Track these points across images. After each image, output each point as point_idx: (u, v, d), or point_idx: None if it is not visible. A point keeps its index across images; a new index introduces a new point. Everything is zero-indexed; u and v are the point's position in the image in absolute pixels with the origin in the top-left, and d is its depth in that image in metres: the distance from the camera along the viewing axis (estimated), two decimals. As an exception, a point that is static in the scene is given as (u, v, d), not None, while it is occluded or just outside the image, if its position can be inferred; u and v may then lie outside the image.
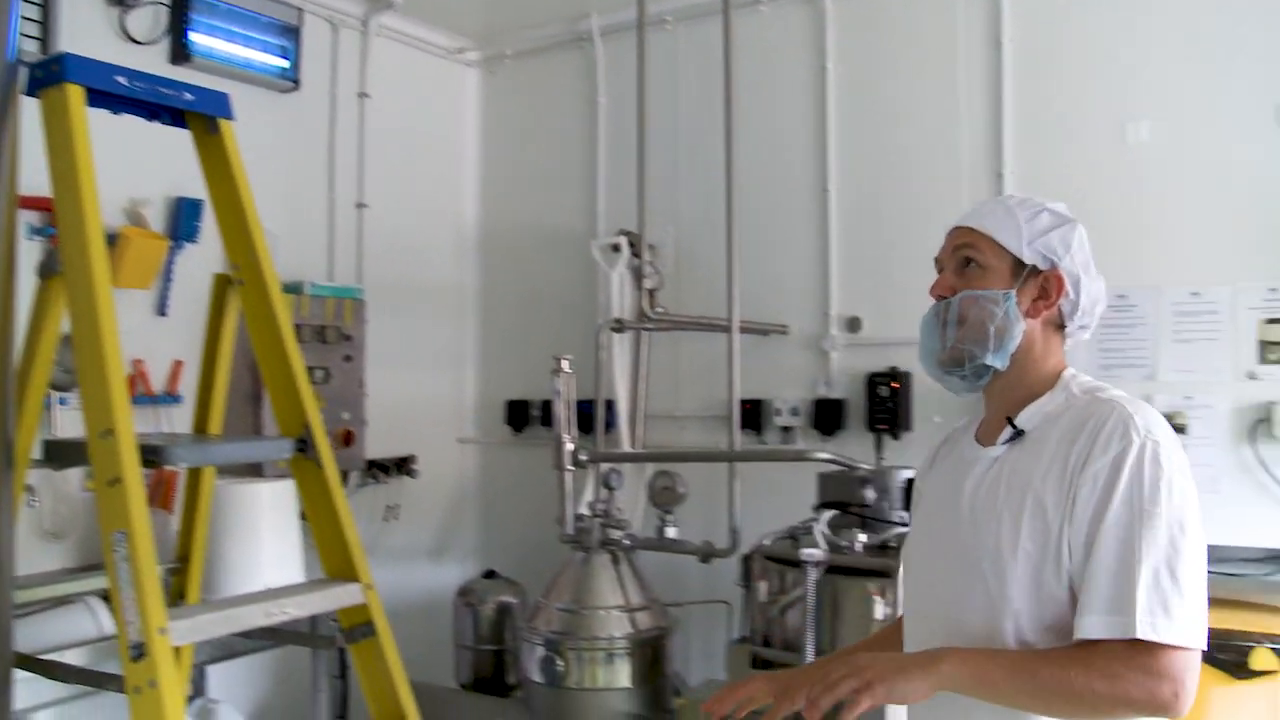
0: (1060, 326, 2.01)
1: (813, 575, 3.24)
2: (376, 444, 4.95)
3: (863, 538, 3.32)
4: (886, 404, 4.50)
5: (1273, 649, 3.50)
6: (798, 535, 3.51)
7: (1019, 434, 1.97)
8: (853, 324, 4.71)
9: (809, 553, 3.24)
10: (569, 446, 4.06)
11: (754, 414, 4.78)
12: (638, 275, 4.42)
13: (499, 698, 4.53)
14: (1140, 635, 1.68)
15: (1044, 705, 1.77)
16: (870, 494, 3.47)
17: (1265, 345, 4.02)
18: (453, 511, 5.65)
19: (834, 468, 3.65)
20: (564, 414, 4.03)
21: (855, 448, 4.56)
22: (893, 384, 4.50)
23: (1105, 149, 4.28)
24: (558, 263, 5.44)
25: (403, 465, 5.17)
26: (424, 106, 5.60)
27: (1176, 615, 1.70)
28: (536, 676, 4.05)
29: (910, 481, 3.45)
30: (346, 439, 4.68)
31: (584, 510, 4.19)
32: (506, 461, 5.60)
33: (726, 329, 4.20)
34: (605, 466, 4.22)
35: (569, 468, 4.07)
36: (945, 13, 4.59)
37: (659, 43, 5.11)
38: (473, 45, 5.74)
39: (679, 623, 4.22)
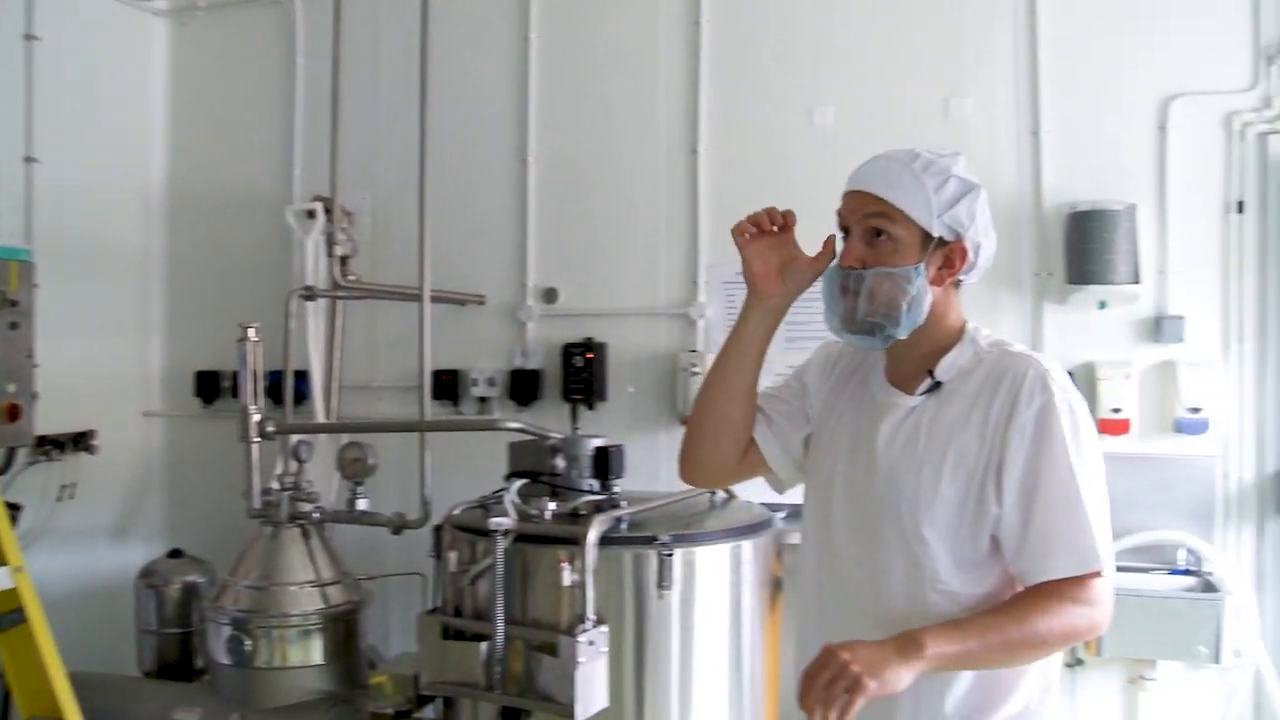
0: (957, 282, 2.11)
1: (501, 544, 3.24)
2: (50, 419, 4.59)
3: (552, 506, 3.34)
4: (581, 374, 4.58)
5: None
6: (488, 505, 3.50)
7: (937, 385, 2.06)
8: (549, 295, 4.75)
9: (497, 521, 3.23)
10: (255, 418, 3.92)
11: (451, 384, 4.76)
12: (332, 242, 4.29)
13: (184, 683, 4.32)
14: (1099, 569, 1.89)
15: (1013, 658, 1.93)
16: (560, 462, 3.49)
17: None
18: (137, 489, 5.34)
19: (525, 437, 3.66)
20: (250, 384, 3.88)
21: (551, 418, 4.63)
22: (588, 355, 4.58)
23: (794, 131, 4.50)
24: (252, 227, 5.22)
25: (80, 441, 4.85)
26: (105, 56, 5.21)
27: (1108, 547, 1.92)
28: (223, 658, 3.90)
29: (600, 450, 3.53)
30: (12, 414, 4.32)
31: (274, 484, 4.06)
32: (196, 435, 5.34)
33: (419, 298, 4.13)
34: (295, 438, 4.10)
35: (255, 439, 3.93)
36: (648, -9, 4.69)
37: (361, 4, 4.98)
38: (160, -7, 5.40)
39: (372, 596, 4.16)
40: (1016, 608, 1.93)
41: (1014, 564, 1.97)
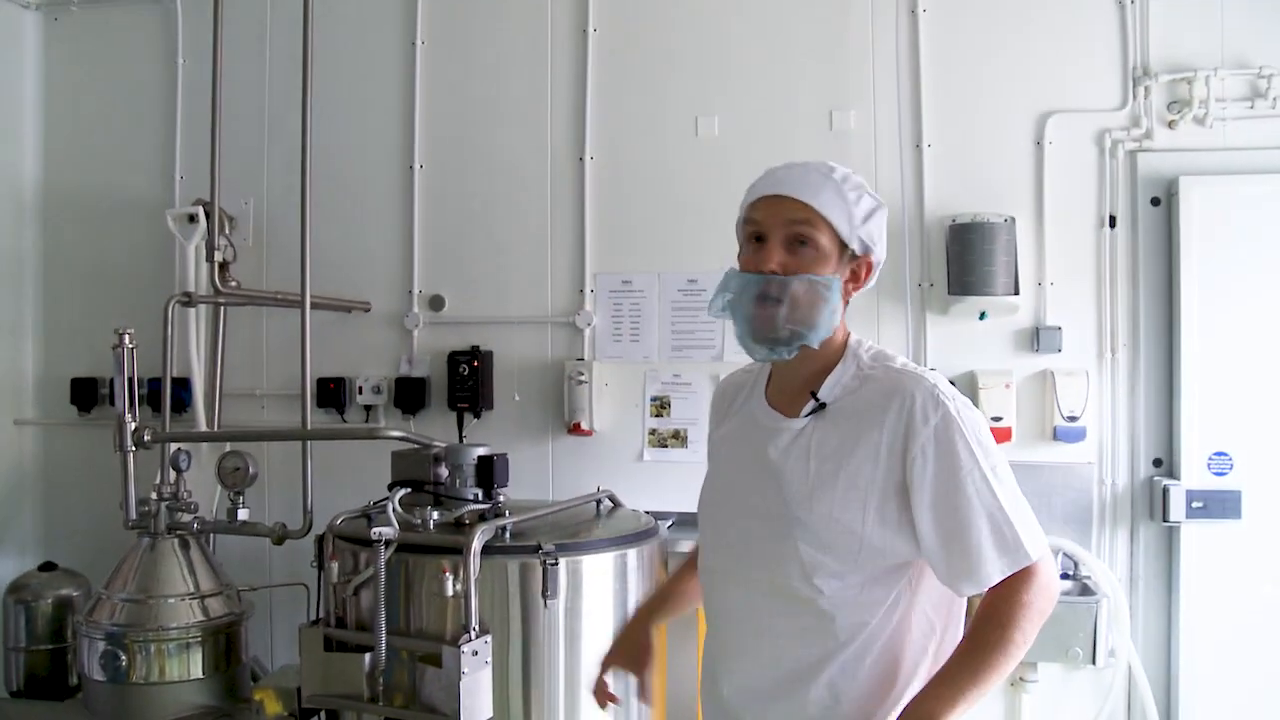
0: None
1: (383, 554, 3.21)
2: (-85, 426, 4.44)
3: (435, 515, 3.32)
4: (467, 382, 4.54)
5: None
6: (371, 515, 3.46)
7: (822, 406, 2.04)
8: (435, 302, 4.71)
9: (379, 531, 3.20)
10: (131, 426, 3.82)
11: (336, 392, 4.69)
12: (210, 248, 4.20)
13: (55, 701, 4.18)
14: (1035, 559, 1.92)
15: (1005, 672, 1.94)
16: (443, 471, 3.47)
17: (816, 328, 4.37)
18: (9, 500, 5.15)
19: (407, 446, 3.63)
20: (125, 392, 3.79)
21: (438, 426, 4.59)
22: (474, 363, 4.54)
23: (680, 140, 4.53)
24: (132, 231, 5.06)
25: (-53, 449, 4.69)
26: (-30, 51, 5.04)
27: (1035, 533, 1.95)
28: (97, 674, 3.78)
29: (483, 459, 3.51)
30: (-127, 421, 4.18)
31: (152, 494, 3.96)
32: (72, 444, 5.15)
33: (300, 305, 4.06)
34: (174, 447, 4.00)
35: (130, 448, 3.83)
36: (536, -1, 4.69)
37: (248, 5, 4.90)
38: (29, -15, 5.23)
39: (254, 607, 4.08)
40: (986, 628, 1.95)
41: (945, 580, 1.98)
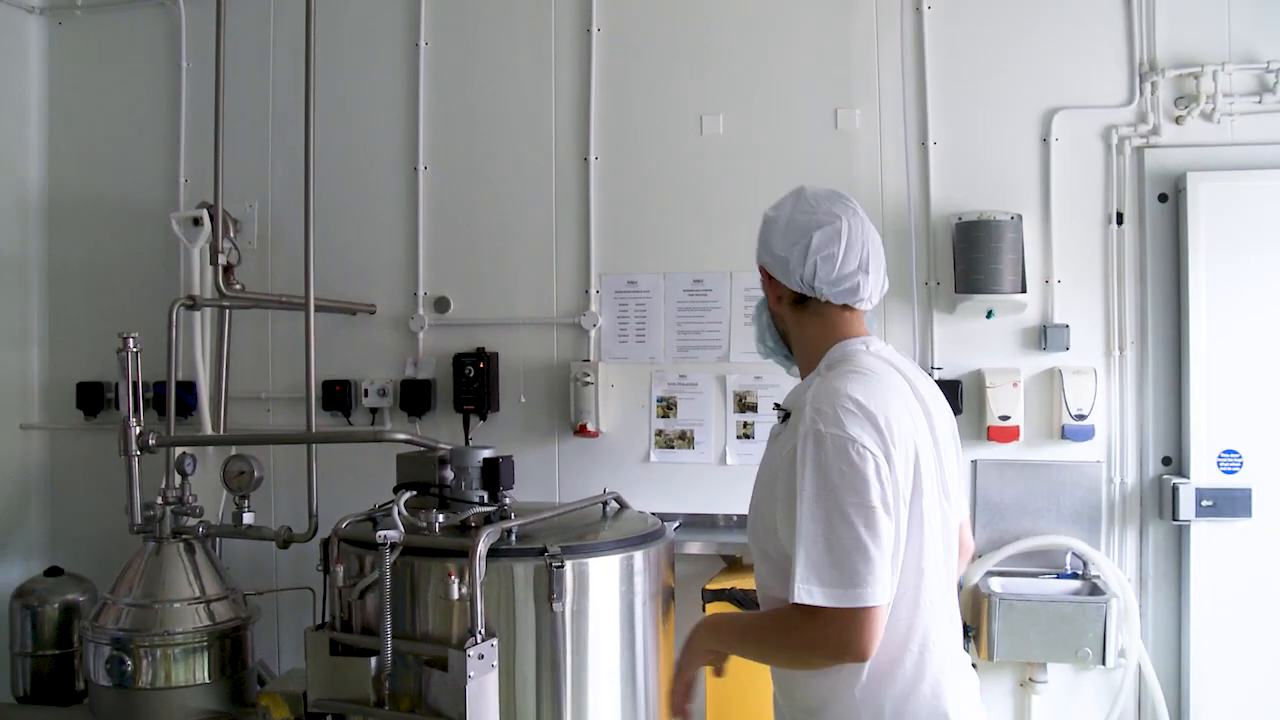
0: (803, 303, 2.25)
1: (388, 557, 3.19)
2: (-78, 432, 4.44)
3: (441, 518, 3.30)
4: (473, 385, 4.53)
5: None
6: (377, 518, 3.45)
7: (787, 415, 2.14)
8: (441, 304, 4.70)
9: (384, 534, 3.18)
10: (135, 430, 3.81)
11: (342, 395, 4.68)
12: (215, 250, 4.20)
13: (60, 707, 4.18)
14: (799, 599, 1.93)
15: (768, 658, 2.15)
16: (449, 474, 3.45)
17: (824, 328, 4.35)
18: (15, 504, 5.15)
19: (413, 449, 3.61)
20: (130, 396, 3.78)
21: (444, 429, 4.59)
22: (479, 365, 4.54)
23: (684, 139, 4.51)
24: (137, 235, 5.06)
25: (-47, 455, 4.69)
26: (-26, 55, 5.04)
27: (827, 581, 1.92)
28: (103, 679, 3.77)
29: (488, 461, 3.50)
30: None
31: (158, 498, 3.95)
32: (78, 448, 5.15)
33: (304, 307, 4.05)
34: (179, 451, 3.99)
35: (135, 453, 3.82)
36: (540, -1, 4.68)
37: (251, 8, 4.89)
38: (34, -11, 5.23)
39: (259, 611, 4.07)
40: (771, 617, 2.12)
41: None
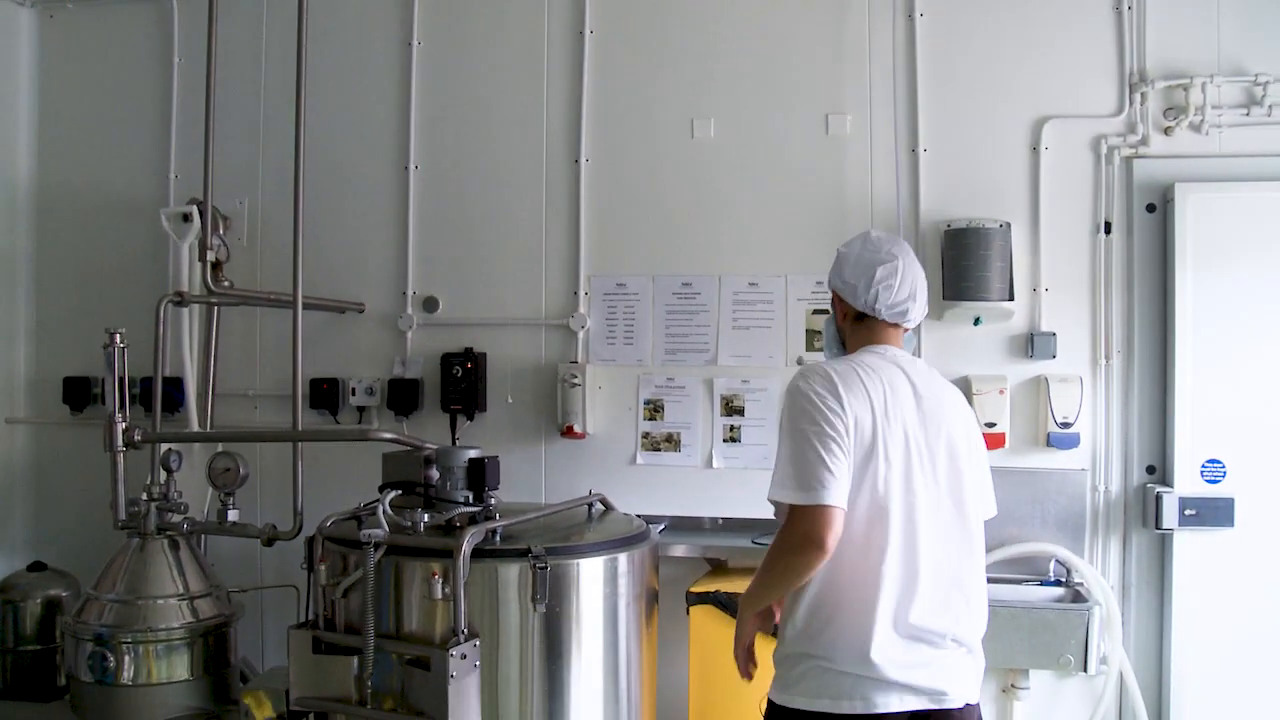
0: (860, 318, 2.79)
1: (373, 556, 3.19)
2: (-94, 425, 4.42)
3: (426, 518, 3.30)
4: (460, 384, 4.53)
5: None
6: (362, 517, 3.45)
7: None
8: (429, 304, 4.71)
9: (368, 533, 3.19)
10: (121, 426, 3.80)
11: (330, 393, 4.68)
12: (204, 247, 4.19)
13: (41, 703, 4.17)
14: (770, 496, 2.54)
15: (773, 580, 2.56)
16: (434, 473, 3.45)
17: (812, 334, 4.37)
18: (-1, 499, 5.16)
19: (398, 448, 3.61)
20: (116, 391, 3.77)
21: (431, 428, 4.58)
22: (467, 365, 4.54)
23: (675, 143, 4.52)
24: (127, 230, 5.05)
25: (-63, 448, 4.67)
26: (-37, 47, 5.02)
27: (794, 486, 2.46)
28: (85, 675, 3.77)
29: (474, 461, 3.50)
30: None
31: (143, 494, 3.94)
32: (64, 443, 5.13)
33: (292, 305, 4.04)
34: (164, 447, 3.99)
35: (120, 448, 3.81)
36: (533, 0, 4.68)
37: (242, 6, 4.89)
38: (24, -19, 5.21)
39: (243, 608, 4.06)
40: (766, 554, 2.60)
41: None
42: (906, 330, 2.83)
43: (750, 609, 2.70)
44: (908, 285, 2.75)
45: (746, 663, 2.77)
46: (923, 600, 2.50)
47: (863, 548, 2.49)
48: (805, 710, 2.49)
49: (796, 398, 2.55)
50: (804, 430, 2.49)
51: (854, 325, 2.81)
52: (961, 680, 2.55)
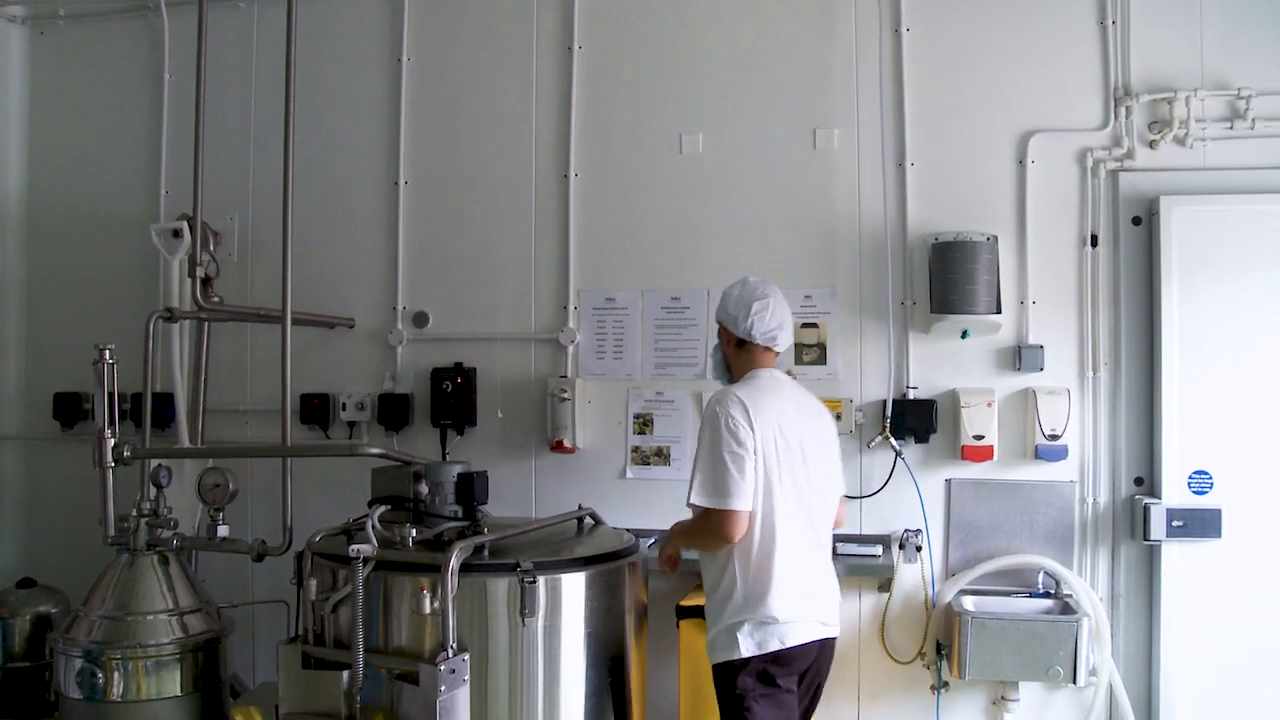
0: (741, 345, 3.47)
1: (361, 571, 3.20)
2: (-105, 442, 4.42)
3: (414, 533, 3.31)
4: (450, 399, 4.54)
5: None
6: (350, 532, 3.45)
7: None
8: (420, 319, 4.71)
9: (357, 548, 3.19)
10: (110, 442, 3.80)
11: (320, 409, 4.69)
12: (193, 263, 4.19)
13: (31, 720, 4.17)
14: (690, 502, 3.28)
15: (695, 545, 3.44)
16: (423, 489, 3.46)
17: (801, 348, 4.38)
18: (-12, 515, 5.15)
19: (387, 463, 3.62)
20: (105, 407, 3.77)
21: (422, 443, 4.59)
22: (457, 380, 4.55)
23: (663, 158, 4.54)
24: (117, 246, 5.08)
25: (-73, 464, 4.66)
26: (-47, 63, 5.04)
27: (710, 493, 3.22)
28: (74, 692, 3.76)
29: (463, 476, 3.51)
30: None
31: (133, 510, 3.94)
32: (55, 459, 5.14)
33: (282, 320, 4.04)
34: (154, 463, 3.99)
35: (110, 464, 3.81)
36: (522, 15, 4.71)
37: (232, 22, 4.92)
38: (16, -1, 5.23)
39: (233, 624, 4.06)
40: (691, 523, 3.41)
41: None
42: (778, 354, 3.51)
43: (677, 543, 3.55)
44: (778, 317, 3.43)
45: (666, 563, 3.61)
46: (811, 566, 3.37)
47: (768, 536, 3.25)
48: (752, 655, 3.23)
49: (715, 420, 3.27)
50: (719, 449, 3.23)
51: (737, 351, 3.49)
52: (834, 618, 3.43)
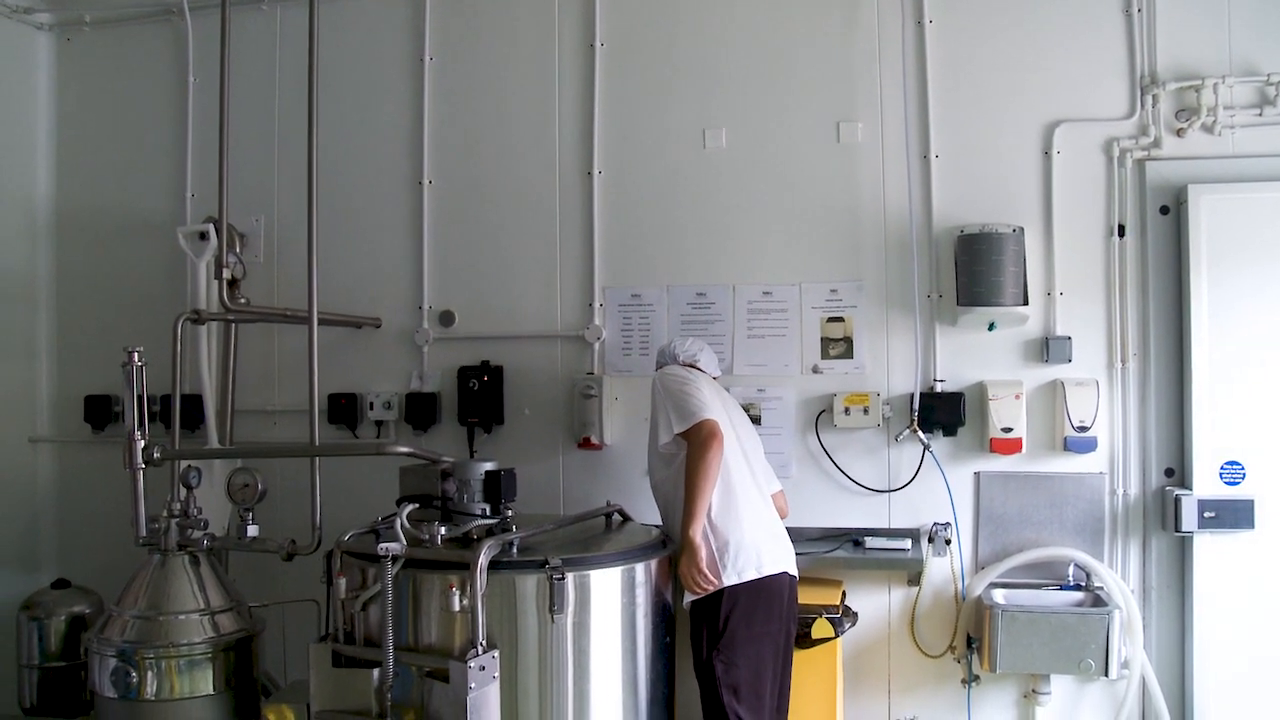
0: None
1: (390, 570, 3.21)
2: (-73, 445, 4.46)
3: (443, 531, 3.32)
4: (477, 398, 4.56)
5: (829, 619, 3.83)
6: (380, 530, 3.47)
7: None
8: (446, 318, 4.73)
9: (386, 547, 3.21)
10: (140, 444, 3.82)
11: (348, 408, 4.72)
12: (220, 265, 4.21)
13: (66, 719, 4.19)
14: (674, 431, 3.61)
15: (698, 484, 3.49)
16: (451, 487, 3.47)
17: (827, 342, 4.37)
18: (23, 517, 5.19)
19: (415, 462, 3.63)
20: (135, 409, 3.80)
21: (449, 441, 4.61)
22: (484, 378, 4.56)
23: (687, 153, 4.53)
24: (145, 249, 5.12)
25: (-39, 468, 4.71)
26: (-15, 71, 5.08)
27: (682, 418, 3.58)
28: (109, 691, 3.78)
29: (490, 474, 3.51)
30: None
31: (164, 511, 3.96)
32: (86, 461, 5.19)
33: (308, 321, 4.06)
34: (183, 464, 4.01)
35: (140, 466, 3.84)
36: (544, 13, 4.71)
37: (255, 24, 4.95)
38: (43, 6, 5.26)
39: (264, 623, 4.08)
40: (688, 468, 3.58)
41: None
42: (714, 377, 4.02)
43: (697, 531, 3.50)
44: (696, 345, 4.03)
45: (712, 578, 3.52)
46: (769, 513, 3.77)
47: (727, 479, 3.60)
48: (733, 584, 3.49)
49: (665, 378, 3.74)
50: (672, 389, 3.67)
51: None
52: (794, 567, 3.73)
